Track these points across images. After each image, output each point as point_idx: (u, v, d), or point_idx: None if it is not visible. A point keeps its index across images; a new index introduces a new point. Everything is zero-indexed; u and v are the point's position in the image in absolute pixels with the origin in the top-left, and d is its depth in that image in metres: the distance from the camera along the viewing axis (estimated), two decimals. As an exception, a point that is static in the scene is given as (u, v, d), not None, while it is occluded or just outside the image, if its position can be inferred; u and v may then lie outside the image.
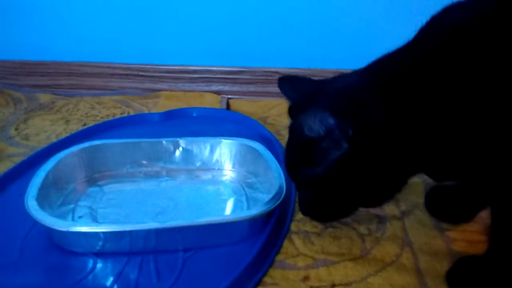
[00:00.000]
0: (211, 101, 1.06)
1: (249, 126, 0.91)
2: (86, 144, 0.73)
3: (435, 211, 0.66)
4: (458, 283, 0.53)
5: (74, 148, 0.71)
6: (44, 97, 1.10)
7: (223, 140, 0.76)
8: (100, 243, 0.57)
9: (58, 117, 1.01)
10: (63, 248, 0.58)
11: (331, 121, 0.49)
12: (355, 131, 0.48)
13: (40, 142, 0.89)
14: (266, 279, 0.56)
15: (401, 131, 0.48)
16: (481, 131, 0.45)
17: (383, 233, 0.63)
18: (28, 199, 0.59)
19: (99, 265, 0.56)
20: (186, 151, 0.76)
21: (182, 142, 0.76)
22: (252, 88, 1.09)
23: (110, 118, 1.00)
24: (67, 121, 0.99)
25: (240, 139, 0.76)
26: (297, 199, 0.69)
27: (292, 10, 1.04)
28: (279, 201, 0.60)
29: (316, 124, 0.50)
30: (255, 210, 0.59)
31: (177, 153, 0.76)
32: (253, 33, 1.07)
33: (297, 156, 0.55)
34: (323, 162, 0.51)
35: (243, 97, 1.09)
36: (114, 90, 1.12)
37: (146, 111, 1.04)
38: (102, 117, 1.01)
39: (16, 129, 0.95)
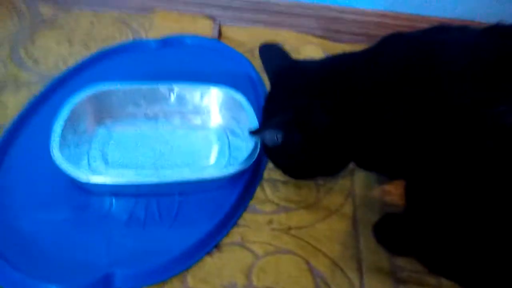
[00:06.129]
0: (202, 26, 1.12)
1: (239, 63, 1.01)
2: (95, 90, 0.84)
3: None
4: (381, 233, 0.72)
5: (85, 94, 0.83)
6: (44, 10, 1.15)
7: (212, 88, 0.88)
8: (113, 189, 0.74)
9: (61, 36, 1.09)
10: (85, 189, 0.75)
11: (279, 136, 0.66)
12: (303, 135, 0.65)
13: (49, 67, 0.99)
14: (240, 221, 0.74)
15: (340, 131, 0.64)
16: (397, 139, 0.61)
17: (334, 184, 0.80)
18: (53, 149, 0.73)
19: (114, 205, 0.74)
20: (179, 96, 0.88)
21: (176, 88, 0.88)
22: (244, 14, 1.14)
23: (110, 41, 1.08)
24: (70, 42, 1.07)
25: (226, 88, 0.87)
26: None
27: None
28: (253, 159, 0.76)
29: (273, 138, 0.66)
30: (234, 168, 0.75)
31: (172, 97, 0.88)
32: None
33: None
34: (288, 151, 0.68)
35: (235, 23, 1.15)
36: (111, 5, 1.17)
37: (143, 33, 1.11)
38: (102, 39, 1.09)
39: (25, 50, 1.04)
